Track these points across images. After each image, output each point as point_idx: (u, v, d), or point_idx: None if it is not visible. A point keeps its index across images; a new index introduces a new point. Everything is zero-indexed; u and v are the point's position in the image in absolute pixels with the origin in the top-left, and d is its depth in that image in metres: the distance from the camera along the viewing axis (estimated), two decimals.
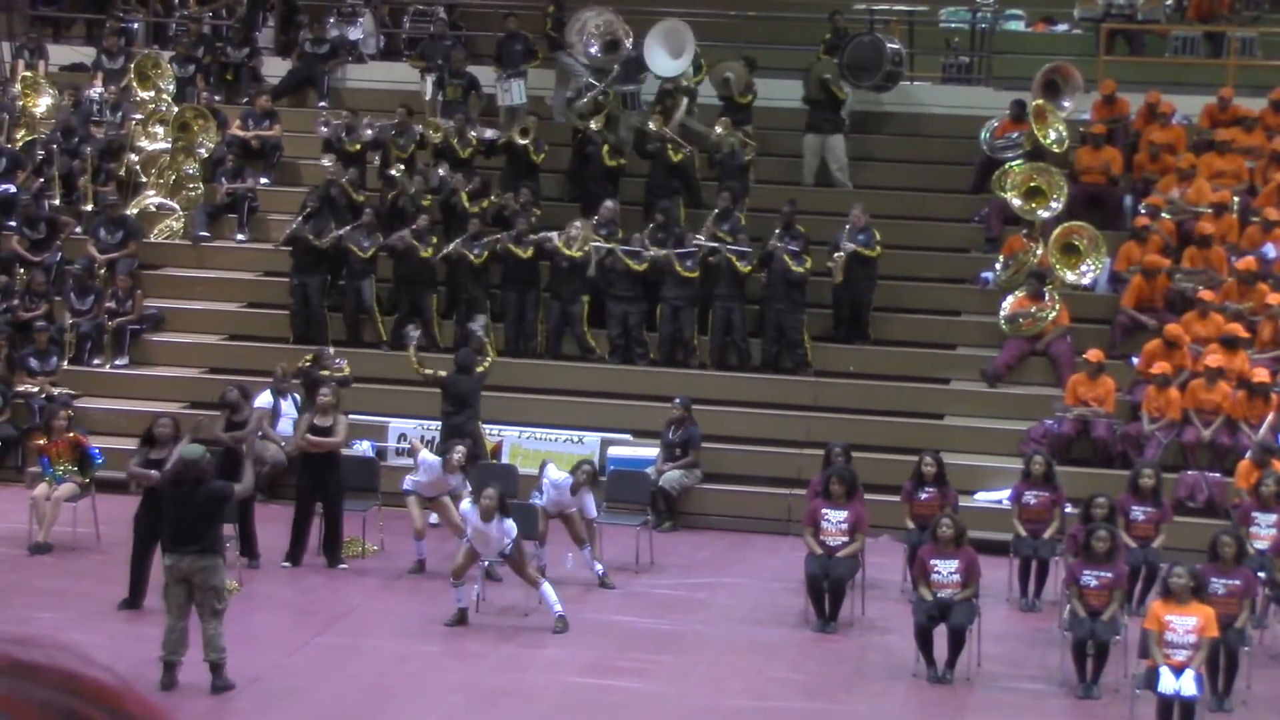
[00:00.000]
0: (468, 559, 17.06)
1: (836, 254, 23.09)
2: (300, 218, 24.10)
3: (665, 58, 25.82)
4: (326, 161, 25.14)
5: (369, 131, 25.46)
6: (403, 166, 25.11)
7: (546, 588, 17.07)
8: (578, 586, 18.72)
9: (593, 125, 25.11)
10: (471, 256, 23.62)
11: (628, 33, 26.03)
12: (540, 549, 18.56)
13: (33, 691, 1.76)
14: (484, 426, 21.47)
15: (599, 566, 18.78)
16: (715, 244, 23.17)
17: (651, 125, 24.91)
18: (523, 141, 25.02)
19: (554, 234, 23.56)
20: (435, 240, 23.97)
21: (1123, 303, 23.00)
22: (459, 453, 18.92)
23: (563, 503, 18.59)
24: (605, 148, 25.05)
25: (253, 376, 22.05)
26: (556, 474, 18.85)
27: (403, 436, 22.13)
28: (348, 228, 23.97)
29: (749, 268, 23.09)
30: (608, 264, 23.43)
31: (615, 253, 23.33)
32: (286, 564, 19.11)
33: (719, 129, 24.93)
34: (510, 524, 16.86)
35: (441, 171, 24.59)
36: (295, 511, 19.30)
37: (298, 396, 21.54)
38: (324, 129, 25.71)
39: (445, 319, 24.09)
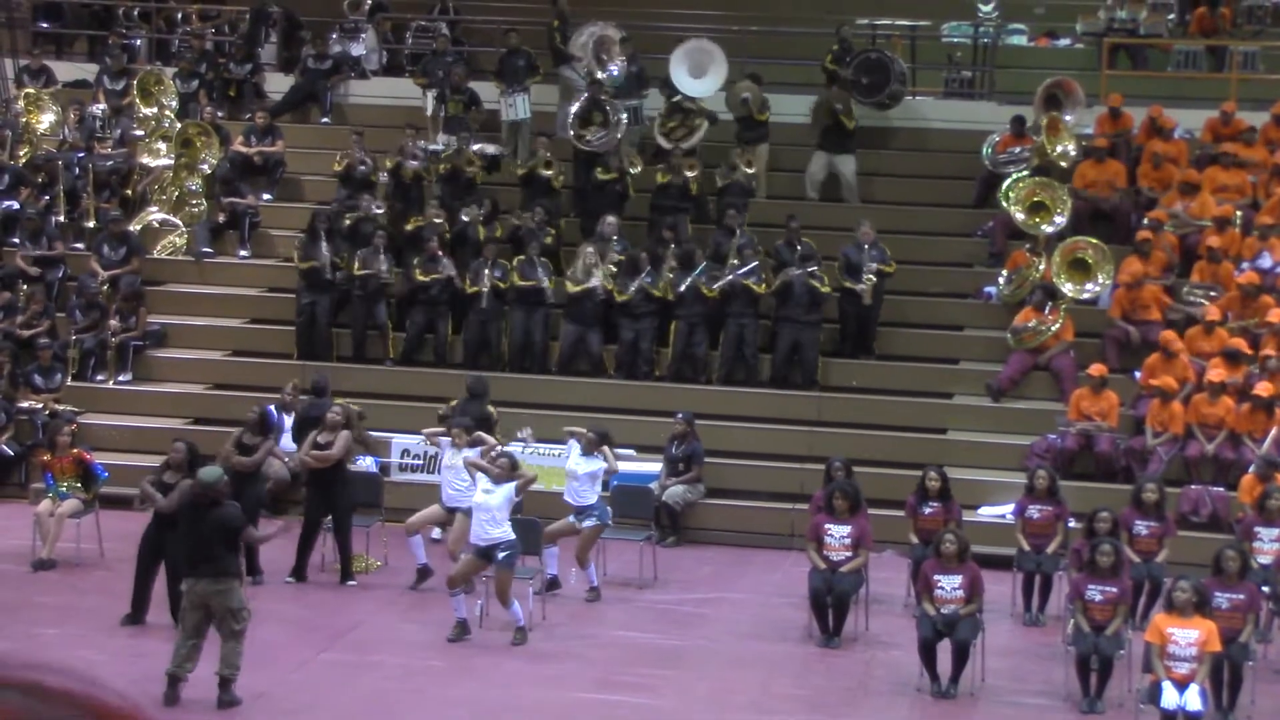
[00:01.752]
0: (468, 568, 17.05)
1: (866, 277, 23.11)
2: (324, 242, 24.01)
3: (691, 78, 25.83)
4: (377, 209, 24.99)
5: (413, 162, 25.27)
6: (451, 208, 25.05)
7: (516, 607, 17.06)
8: (580, 602, 18.73)
9: (632, 170, 25.19)
10: (500, 284, 23.63)
11: (623, 48, 26.08)
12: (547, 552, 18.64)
13: (44, 712, 1.76)
14: None
15: (594, 579, 18.83)
16: (732, 275, 23.17)
17: (688, 173, 24.85)
18: (546, 174, 25.02)
19: (586, 275, 23.54)
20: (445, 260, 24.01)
21: (1110, 314, 23.03)
22: (456, 434, 18.83)
23: (577, 475, 18.64)
24: (599, 170, 25.07)
25: (256, 392, 22.07)
26: (578, 462, 18.88)
27: (405, 452, 22.14)
28: (376, 254, 23.91)
29: (763, 287, 23.12)
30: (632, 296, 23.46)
31: (641, 288, 23.34)
32: (291, 580, 19.10)
33: (746, 167, 24.96)
34: (512, 486, 16.92)
35: (465, 217, 24.50)
36: (303, 527, 19.28)
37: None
38: (363, 168, 25.58)
39: (455, 334, 24.11)
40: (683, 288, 23.24)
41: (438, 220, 24.48)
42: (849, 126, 26.00)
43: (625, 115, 25.64)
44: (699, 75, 25.95)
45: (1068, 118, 25.69)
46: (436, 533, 19.59)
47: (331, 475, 19.11)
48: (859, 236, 23.49)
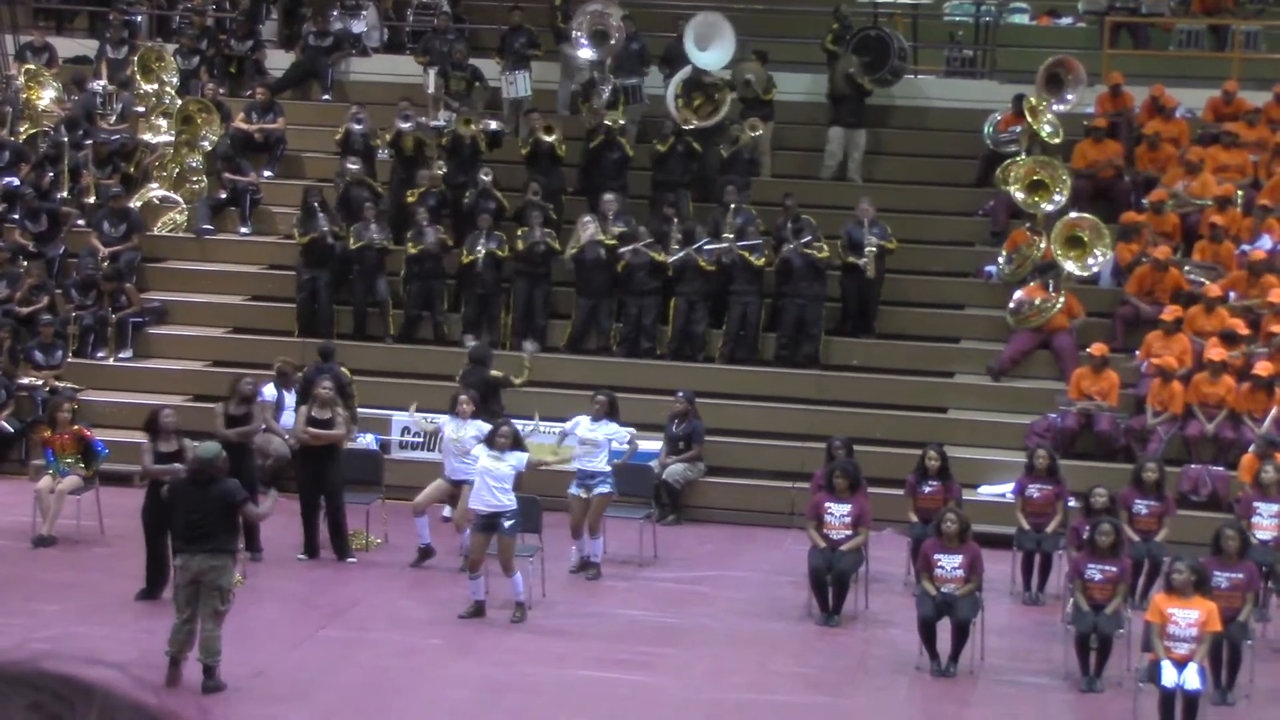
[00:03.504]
0: (478, 548, 17.04)
1: (869, 249, 23.13)
2: (321, 215, 23.99)
3: (705, 51, 25.77)
4: (351, 164, 25.03)
5: (405, 125, 25.28)
6: (443, 166, 25.05)
7: (518, 578, 17.03)
8: (580, 581, 18.75)
9: (608, 121, 25.04)
10: (497, 253, 23.65)
11: (620, 26, 26.01)
12: (578, 541, 18.84)
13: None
14: None
15: (596, 557, 18.84)
16: (727, 244, 23.17)
17: (694, 122, 24.83)
18: (549, 139, 24.96)
19: (584, 239, 23.55)
20: (444, 231, 24.04)
21: (1127, 289, 23.05)
22: (464, 402, 18.85)
23: (597, 443, 18.68)
24: (626, 142, 25.08)
25: (256, 370, 22.04)
26: (587, 430, 18.88)
27: (406, 430, 22.12)
28: (368, 225, 23.89)
29: (762, 260, 23.12)
30: (631, 261, 23.45)
31: (640, 251, 23.38)
32: (303, 557, 19.08)
33: (750, 131, 24.92)
34: (522, 457, 16.90)
35: (486, 176, 24.45)
36: (301, 505, 19.27)
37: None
38: (357, 126, 25.56)
39: (454, 313, 24.11)
40: (674, 259, 23.25)
41: (425, 185, 24.48)
42: (868, 89, 25.96)
43: (608, 91, 25.58)
44: (705, 48, 25.87)
45: (1069, 97, 25.66)
46: (447, 511, 19.52)
47: (322, 451, 19.05)
48: (859, 214, 23.52)
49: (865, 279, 23.44)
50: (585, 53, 25.82)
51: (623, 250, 23.45)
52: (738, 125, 25.24)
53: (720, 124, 25.50)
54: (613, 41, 25.84)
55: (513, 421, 18.08)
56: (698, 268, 23.22)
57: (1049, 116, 25.16)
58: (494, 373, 21.07)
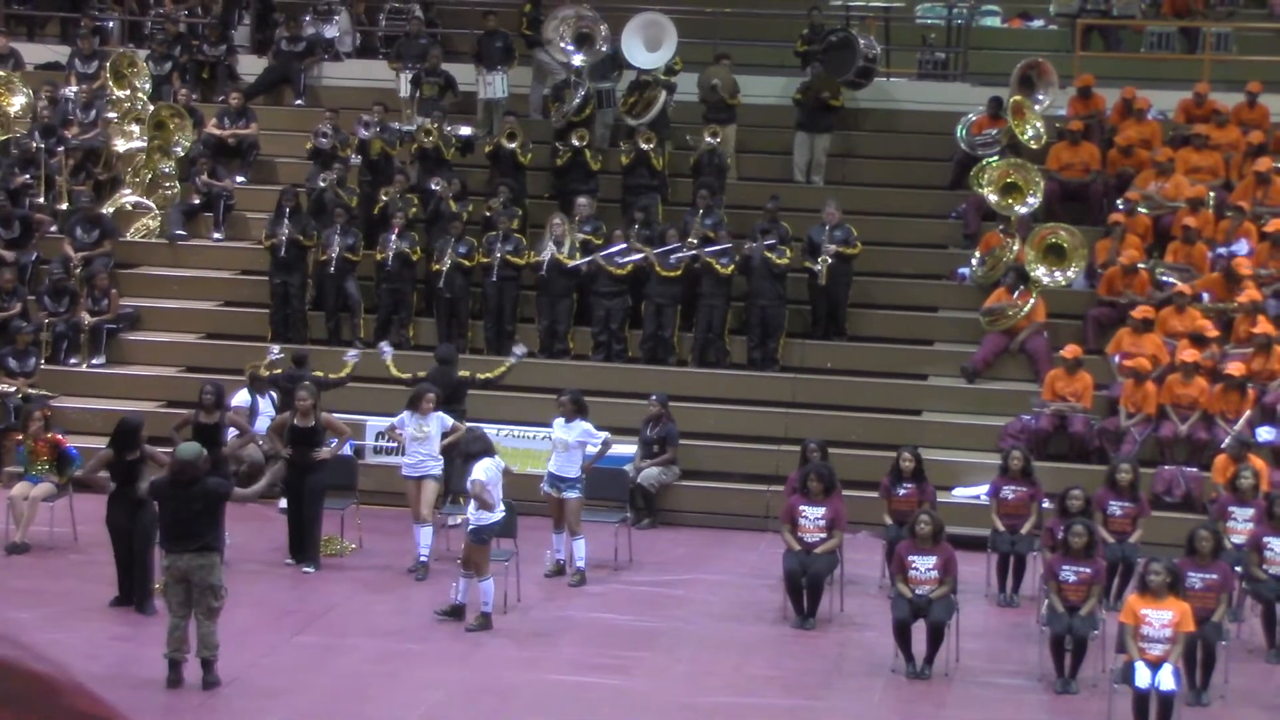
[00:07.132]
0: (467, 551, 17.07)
1: (821, 257, 23.15)
2: (287, 219, 23.93)
3: (643, 50, 25.83)
4: (322, 181, 24.91)
5: (364, 131, 25.27)
6: (402, 177, 25.00)
7: (489, 584, 16.98)
8: (554, 584, 18.73)
9: (575, 141, 25.02)
10: (464, 262, 23.64)
11: (601, 30, 26.00)
12: (556, 537, 18.81)
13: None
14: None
15: (580, 561, 18.76)
16: (695, 251, 23.18)
17: (644, 144, 24.81)
18: (511, 145, 24.96)
19: (549, 245, 23.53)
20: (416, 236, 24.03)
21: (1098, 292, 23.10)
22: (428, 399, 18.86)
23: (567, 444, 18.60)
24: (588, 151, 25.06)
25: (230, 375, 22.01)
26: (560, 432, 18.84)
27: (380, 434, 22.07)
28: (335, 231, 23.88)
29: (730, 268, 23.12)
30: (589, 269, 23.49)
31: (596, 260, 23.39)
32: (291, 562, 19.00)
33: (708, 137, 24.93)
34: (493, 465, 16.89)
35: (435, 186, 24.48)
36: (289, 510, 19.22)
37: (274, 395, 21.48)
38: (323, 140, 25.48)
39: (423, 317, 24.10)
40: (628, 259, 23.24)
41: (390, 196, 24.41)
42: (836, 105, 26.01)
43: (584, 90, 25.57)
44: (654, 49, 25.90)
45: (1040, 97, 25.73)
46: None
47: (308, 458, 18.98)
48: (824, 217, 23.54)
49: (836, 282, 23.42)
50: (577, 58, 25.78)
51: (578, 263, 23.41)
52: (694, 138, 25.22)
53: (657, 121, 25.49)
54: (599, 46, 25.86)
55: (481, 428, 18.06)
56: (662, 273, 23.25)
57: (1035, 121, 25.20)
58: (462, 373, 21.01)
